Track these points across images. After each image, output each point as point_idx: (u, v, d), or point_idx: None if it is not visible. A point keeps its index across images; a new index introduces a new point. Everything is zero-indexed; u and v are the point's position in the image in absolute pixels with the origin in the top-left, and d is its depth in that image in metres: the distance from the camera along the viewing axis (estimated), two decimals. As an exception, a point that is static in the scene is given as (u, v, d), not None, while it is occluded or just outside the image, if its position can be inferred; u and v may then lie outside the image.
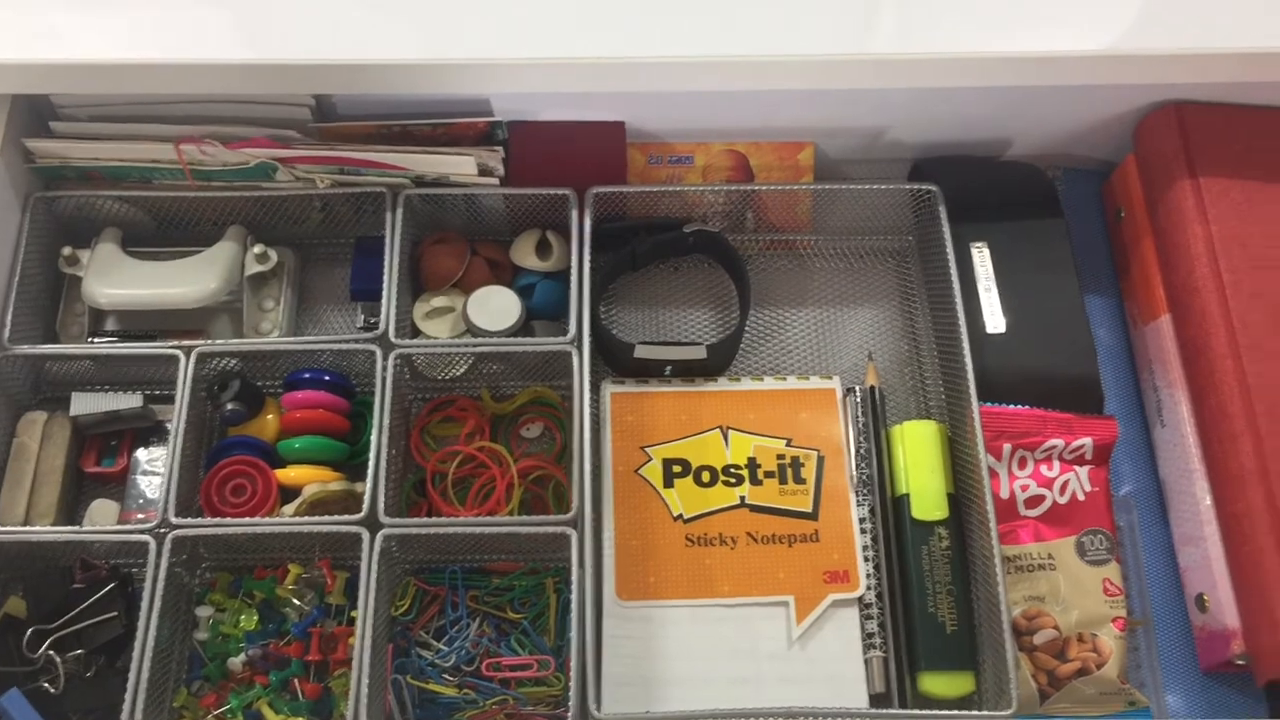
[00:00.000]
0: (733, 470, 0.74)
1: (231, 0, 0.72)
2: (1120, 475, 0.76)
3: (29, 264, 0.75)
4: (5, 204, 0.75)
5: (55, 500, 0.71)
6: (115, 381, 0.77)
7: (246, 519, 0.67)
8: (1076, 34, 0.72)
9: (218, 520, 0.67)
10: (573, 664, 0.63)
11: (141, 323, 0.78)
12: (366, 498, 0.67)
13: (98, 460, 0.74)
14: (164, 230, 0.81)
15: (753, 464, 0.74)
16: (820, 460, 0.74)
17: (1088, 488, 0.71)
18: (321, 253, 0.83)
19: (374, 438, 0.69)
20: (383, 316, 0.73)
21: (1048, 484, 0.71)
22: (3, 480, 0.72)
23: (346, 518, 0.66)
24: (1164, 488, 0.75)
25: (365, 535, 0.66)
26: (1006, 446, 0.71)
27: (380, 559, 0.66)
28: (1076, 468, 0.71)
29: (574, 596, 0.65)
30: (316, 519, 0.67)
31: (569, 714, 0.62)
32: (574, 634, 0.64)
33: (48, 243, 0.78)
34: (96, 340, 0.76)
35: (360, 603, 0.64)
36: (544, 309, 0.78)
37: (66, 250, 0.77)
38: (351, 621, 0.67)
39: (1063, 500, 0.70)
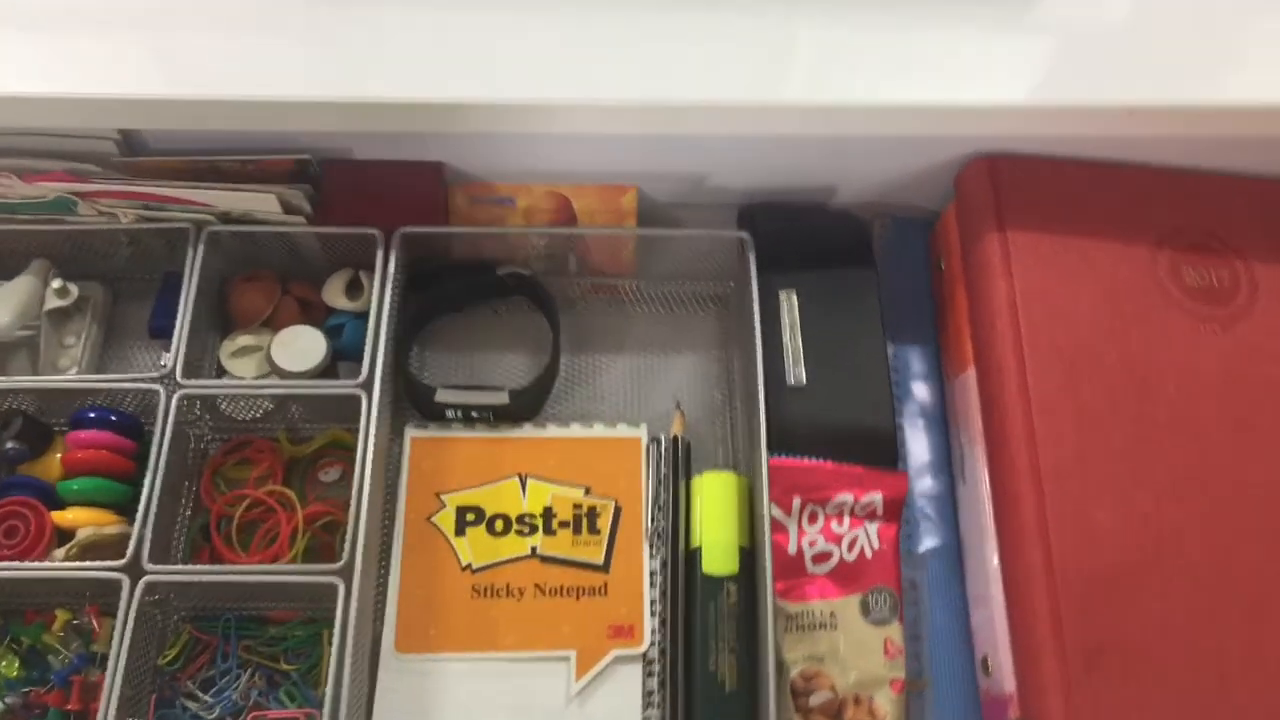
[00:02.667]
0: (527, 519, 0.73)
1: (34, 34, 0.71)
2: (924, 532, 0.75)
3: None
4: None
5: None
6: (-96, 417, 0.75)
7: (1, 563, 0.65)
8: (892, 85, 0.71)
9: (-28, 563, 0.65)
10: (325, 716, 0.62)
11: (-59, 357, 0.77)
12: (131, 542, 0.66)
13: (-125, 499, 0.72)
14: (-27, 263, 0.80)
15: (548, 513, 0.73)
16: (617, 511, 0.73)
17: (876, 545, 0.70)
18: (135, 288, 0.82)
19: (147, 479, 0.67)
20: (171, 355, 0.72)
21: (836, 540, 0.70)
22: None
23: (106, 564, 0.65)
24: (963, 546, 0.74)
25: (126, 582, 0.65)
26: (796, 500, 0.70)
27: (141, 606, 0.64)
28: (866, 523, 0.70)
29: (334, 649, 0.63)
30: (74, 564, 0.65)
31: (315, 770, 0.61)
32: (329, 687, 0.63)
33: None
34: (-117, 375, 0.75)
35: (113, 650, 0.63)
36: (352, 350, 0.77)
37: None
38: (117, 670, 0.65)
39: (850, 557, 0.69)
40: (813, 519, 0.70)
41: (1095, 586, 0.64)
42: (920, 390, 0.80)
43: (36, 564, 0.65)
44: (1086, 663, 0.62)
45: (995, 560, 0.68)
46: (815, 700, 0.66)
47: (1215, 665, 0.63)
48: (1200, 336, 0.72)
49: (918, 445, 0.77)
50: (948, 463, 0.77)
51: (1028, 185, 0.75)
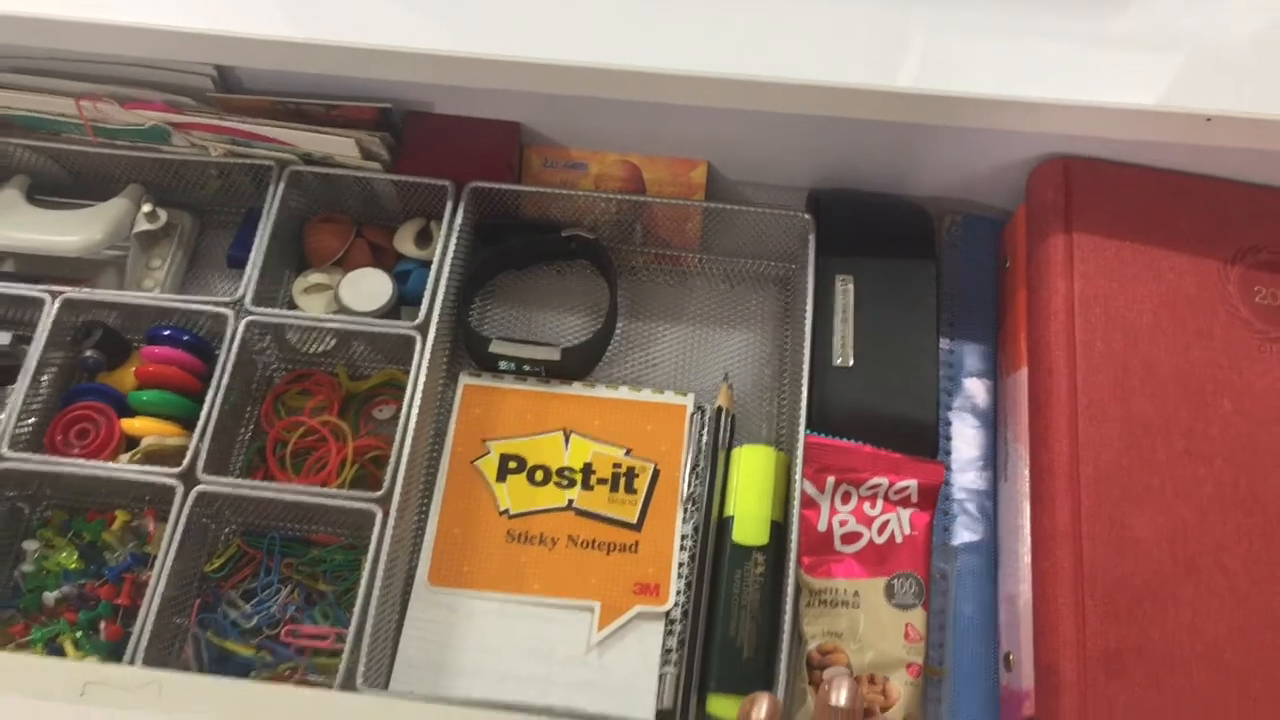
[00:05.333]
0: (567, 473, 0.75)
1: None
2: (962, 526, 0.74)
3: (-64, 201, 0.80)
4: (-84, 145, 0.79)
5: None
6: None
7: (67, 459, 0.69)
8: (971, 76, 0.71)
9: (42, 457, 0.69)
10: (350, 635, 0.64)
11: (37, 267, 0.81)
12: (189, 453, 0.69)
13: (-34, 391, 0.77)
14: (77, 183, 0.85)
15: (588, 469, 0.75)
16: (655, 473, 0.75)
17: (907, 530, 0.70)
18: (222, 220, 0.86)
19: (209, 396, 0.71)
20: (243, 283, 0.75)
21: (868, 522, 0.70)
22: None
23: (163, 469, 0.68)
24: (998, 543, 0.73)
25: (180, 488, 0.68)
26: (830, 479, 0.70)
27: (193, 515, 0.68)
28: (900, 509, 0.70)
29: (366, 570, 0.66)
30: (133, 466, 0.69)
31: (335, 683, 0.63)
32: (358, 606, 0.65)
33: (-42, 184, 0.81)
34: (-19, 279, 0.80)
35: (161, 550, 0.66)
36: (417, 296, 0.79)
37: (-31, 192, 0.80)
38: (166, 572, 0.69)
39: (880, 540, 0.69)
40: (845, 499, 0.70)
41: (1123, 593, 0.63)
42: (974, 388, 0.79)
43: (102, 463, 0.69)
44: (1106, 667, 0.62)
45: (1027, 558, 0.68)
46: (829, 674, 0.66)
47: (1239, 685, 0.62)
48: (1265, 357, 0.70)
49: (965, 442, 0.77)
50: (993, 462, 0.77)
51: (1100, 188, 0.74)
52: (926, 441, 0.72)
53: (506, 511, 0.73)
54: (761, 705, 0.53)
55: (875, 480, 0.70)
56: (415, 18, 0.74)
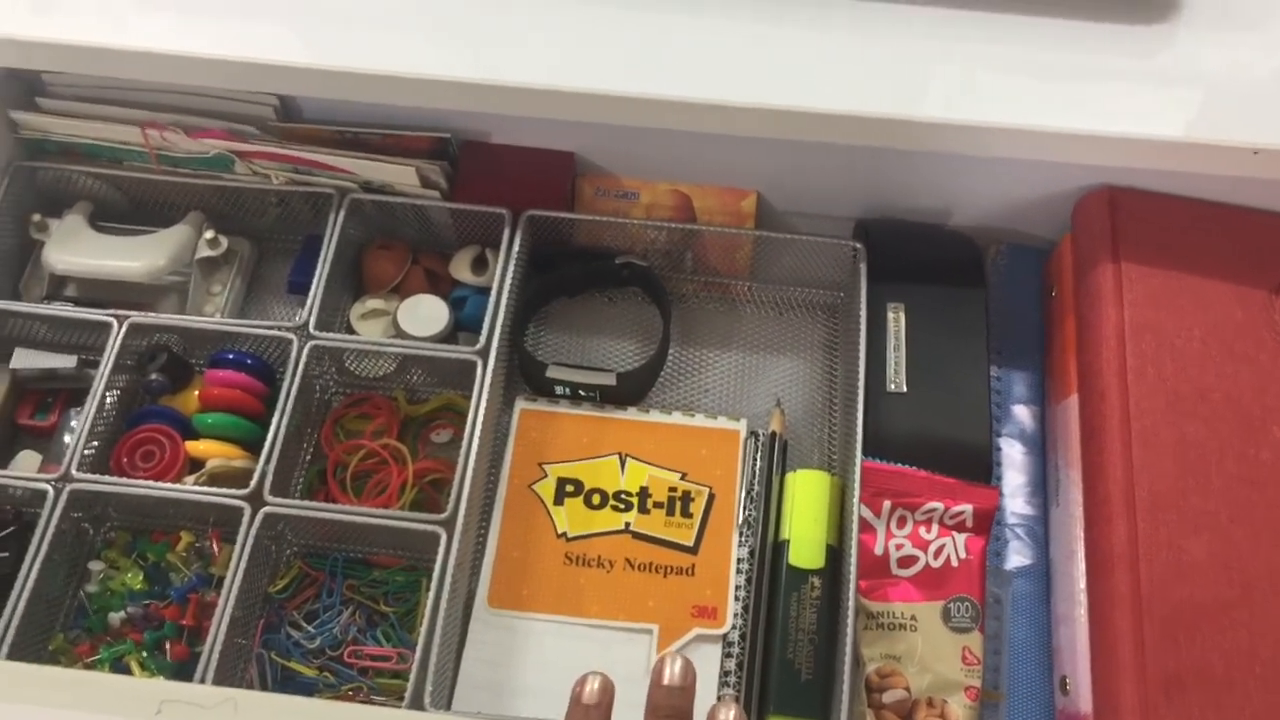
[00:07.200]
0: (623, 496, 0.76)
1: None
2: (1014, 551, 0.75)
3: (2, 227, 0.81)
4: (-12, 170, 0.80)
5: (-16, 445, 0.75)
6: (65, 344, 0.81)
7: (136, 480, 0.70)
8: (1019, 109, 0.73)
9: (111, 479, 0.70)
10: (416, 656, 0.65)
11: (98, 292, 0.83)
12: (256, 475, 0.70)
13: (32, 414, 0.78)
14: (137, 210, 0.86)
15: (644, 492, 0.76)
16: (711, 497, 0.76)
17: (963, 554, 0.71)
18: (279, 248, 0.87)
19: (274, 419, 0.72)
20: (306, 309, 0.76)
21: (923, 546, 0.71)
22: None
23: (231, 491, 0.69)
24: (1051, 567, 0.74)
25: (247, 509, 0.69)
26: (886, 503, 0.71)
27: (258, 534, 0.69)
28: (955, 533, 0.71)
29: (431, 593, 0.67)
30: (202, 488, 0.70)
31: (404, 703, 0.64)
32: (423, 628, 0.66)
33: (23, 209, 0.83)
34: (49, 303, 0.81)
35: (230, 571, 0.67)
36: (472, 322, 0.81)
37: (36, 217, 0.82)
38: (230, 593, 0.70)
39: (936, 564, 0.70)
40: (901, 523, 0.71)
41: (1182, 616, 0.64)
42: (1022, 414, 0.80)
43: (169, 485, 0.70)
44: (1166, 691, 0.62)
45: (1083, 582, 0.69)
46: (889, 698, 0.67)
47: (1299, 708, 0.62)
48: (1312, 384, 0.71)
49: (1015, 468, 0.78)
50: (1043, 487, 0.78)
51: (1146, 219, 0.76)
52: (981, 466, 0.73)
53: (564, 534, 0.74)
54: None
55: (931, 505, 0.71)
56: (472, 49, 0.75)
